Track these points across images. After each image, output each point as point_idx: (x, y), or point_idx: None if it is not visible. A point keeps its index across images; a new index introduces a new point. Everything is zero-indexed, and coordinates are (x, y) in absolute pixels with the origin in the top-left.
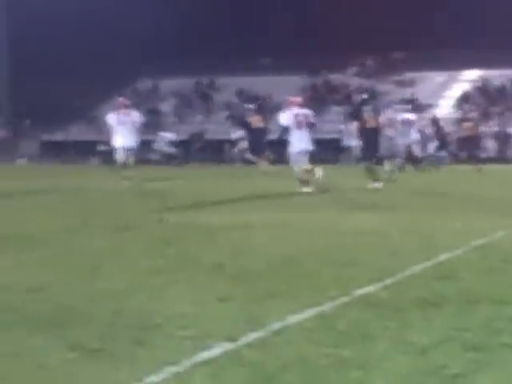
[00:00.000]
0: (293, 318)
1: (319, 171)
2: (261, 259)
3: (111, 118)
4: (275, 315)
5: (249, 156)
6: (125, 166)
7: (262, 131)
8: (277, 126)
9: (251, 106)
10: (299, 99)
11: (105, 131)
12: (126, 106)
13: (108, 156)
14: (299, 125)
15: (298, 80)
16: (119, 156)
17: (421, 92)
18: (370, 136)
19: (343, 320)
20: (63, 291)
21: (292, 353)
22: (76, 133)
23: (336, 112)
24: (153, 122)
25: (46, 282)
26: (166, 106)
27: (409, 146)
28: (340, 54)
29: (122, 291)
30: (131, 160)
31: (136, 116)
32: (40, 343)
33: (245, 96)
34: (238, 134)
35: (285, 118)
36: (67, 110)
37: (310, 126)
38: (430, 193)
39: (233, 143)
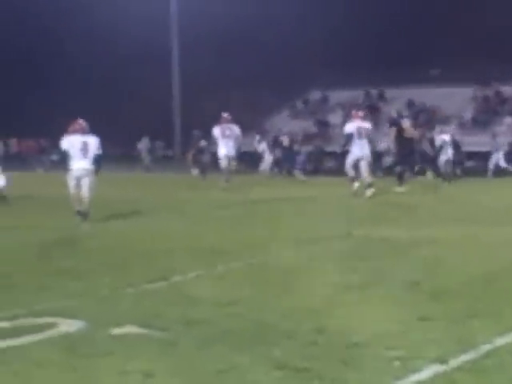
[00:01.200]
0: (501, 340)
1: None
2: (457, 276)
3: (216, 131)
4: (482, 336)
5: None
6: (228, 172)
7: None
8: None
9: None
10: (361, 113)
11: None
12: (228, 121)
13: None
14: (360, 136)
15: (467, 91)
16: (223, 163)
17: None
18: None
19: None
20: (258, 306)
21: (506, 378)
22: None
23: (508, 123)
24: (321, 134)
25: (240, 296)
26: (335, 118)
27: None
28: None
29: (319, 308)
30: (232, 165)
31: (236, 129)
32: (245, 361)
33: (416, 108)
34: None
35: (348, 128)
36: (235, 122)
37: (369, 138)
38: None
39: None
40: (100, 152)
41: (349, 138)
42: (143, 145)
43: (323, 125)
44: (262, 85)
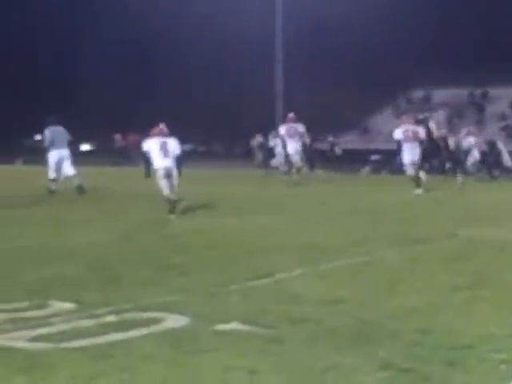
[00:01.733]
0: None
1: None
2: None
3: (282, 130)
4: None
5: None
6: (296, 171)
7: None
8: None
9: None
10: (411, 118)
11: (378, 140)
12: (294, 120)
13: (380, 165)
14: (408, 139)
15: None
16: (295, 160)
17: None
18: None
19: None
20: (362, 305)
21: None
22: (348, 142)
23: None
24: None
25: (344, 294)
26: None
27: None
28: None
29: (424, 308)
30: (301, 164)
31: (301, 128)
32: (348, 360)
33: None
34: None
35: (397, 133)
36: (338, 119)
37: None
38: None
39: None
40: (180, 152)
41: (398, 143)
42: (256, 142)
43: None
44: (365, 83)
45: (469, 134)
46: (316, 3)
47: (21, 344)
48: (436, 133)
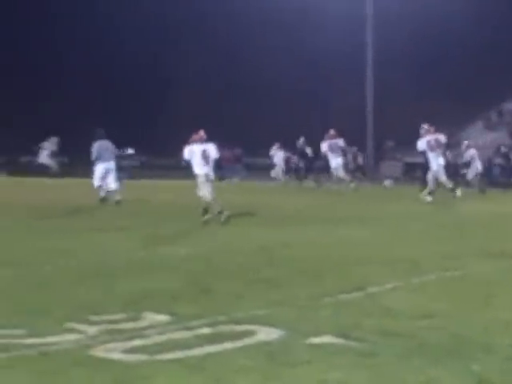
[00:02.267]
0: None
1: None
2: None
3: (324, 147)
4: None
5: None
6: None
7: None
8: None
9: None
10: (432, 128)
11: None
12: (334, 136)
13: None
14: (432, 148)
15: None
16: (340, 174)
17: None
18: None
19: None
20: (455, 319)
21: None
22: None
23: None
24: None
25: (437, 308)
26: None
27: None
28: None
29: None
30: (343, 175)
31: (341, 142)
32: (443, 374)
33: None
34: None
35: (420, 144)
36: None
37: (442, 148)
38: None
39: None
40: (218, 156)
41: (423, 154)
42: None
43: None
44: (455, 96)
45: (469, 146)
46: (407, 16)
47: (116, 356)
48: None
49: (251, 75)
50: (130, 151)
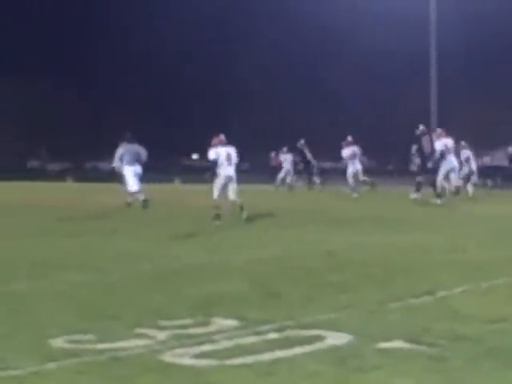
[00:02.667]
0: None
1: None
2: None
3: (345, 153)
4: None
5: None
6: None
7: None
8: None
9: None
10: (443, 132)
11: None
12: (352, 143)
13: None
14: (448, 151)
15: None
16: (352, 179)
17: None
18: None
19: None
20: None
21: None
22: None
23: None
24: None
25: (507, 313)
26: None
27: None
28: None
29: None
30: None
31: (356, 149)
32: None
33: None
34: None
35: (439, 145)
36: (493, 135)
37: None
38: None
39: None
40: (238, 160)
41: (442, 154)
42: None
43: None
44: None
45: (464, 147)
46: (470, 17)
47: (186, 361)
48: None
49: (308, 81)
50: (195, 157)
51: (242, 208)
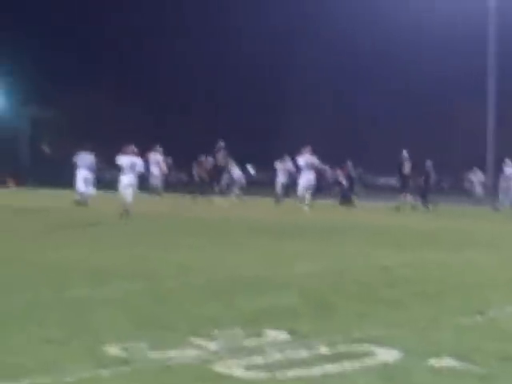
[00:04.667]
0: None
1: None
2: None
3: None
4: None
5: None
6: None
7: None
8: None
9: None
10: None
11: None
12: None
13: None
14: None
15: None
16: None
17: None
18: None
19: None
20: None
21: None
22: None
23: None
24: None
25: None
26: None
27: None
28: None
29: None
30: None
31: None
32: None
33: None
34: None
35: None
36: None
37: None
38: None
39: None
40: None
41: None
42: (475, 176)
43: None
44: None
45: (508, 165)
46: None
47: (237, 372)
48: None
49: (370, 93)
50: (251, 170)
51: None
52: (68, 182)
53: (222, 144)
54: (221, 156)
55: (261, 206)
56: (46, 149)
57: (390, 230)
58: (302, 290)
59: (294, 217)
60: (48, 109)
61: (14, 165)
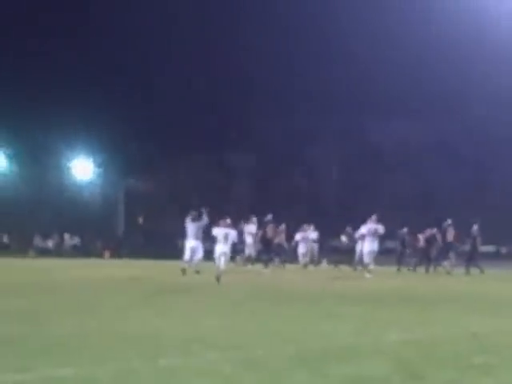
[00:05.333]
0: None
1: None
2: None
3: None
4: None
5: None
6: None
7: None
8: None
9: None
10: None
11: None
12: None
13: None
14: None
15: None
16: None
17: None
18: None
19: None
20: None
21: None
22: None
23: None
24: None
25: None
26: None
27: None
28: None
29: None
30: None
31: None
32: None
33: None
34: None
35: None
36: None
37: None
38: None
39: None
40: None
41: None
42: None
43: None
44: None
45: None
46: None
47: None
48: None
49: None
50: (344, 239)
51: None
52: (160, 252)
53: (269, 217)
54: (270, 229)
55: (350, 274)
56: (141, 219)
57: (474, 296)
58: (393, 358)
59: (381, 285)
60: (145, 179)
61: (109, 236)
